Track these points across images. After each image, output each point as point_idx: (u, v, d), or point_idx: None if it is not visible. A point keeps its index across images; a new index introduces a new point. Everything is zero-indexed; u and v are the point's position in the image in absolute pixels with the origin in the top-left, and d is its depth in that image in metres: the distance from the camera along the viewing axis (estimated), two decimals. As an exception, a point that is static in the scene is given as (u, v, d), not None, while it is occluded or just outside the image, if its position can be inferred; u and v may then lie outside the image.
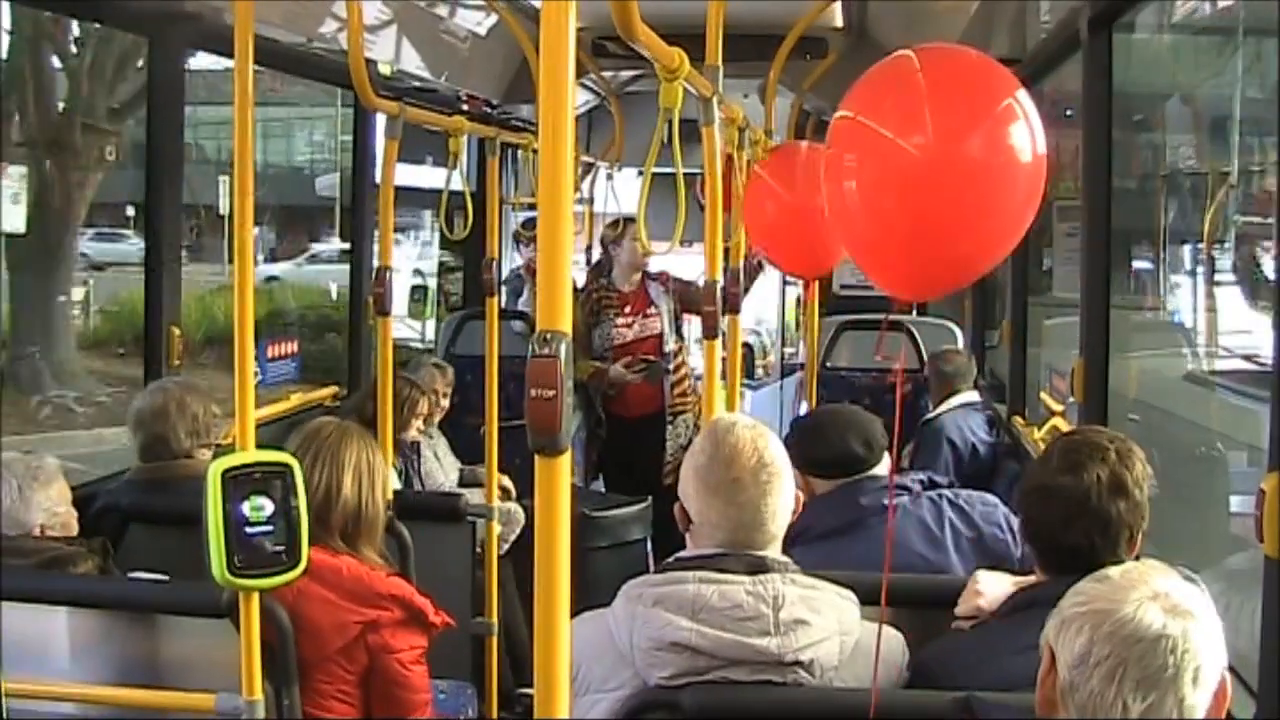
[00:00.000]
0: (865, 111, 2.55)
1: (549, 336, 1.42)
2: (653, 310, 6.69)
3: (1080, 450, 2.57)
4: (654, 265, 6.78)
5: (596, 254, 7.42)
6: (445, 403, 5.54)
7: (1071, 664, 1.80)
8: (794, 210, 4.55)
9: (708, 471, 2.39)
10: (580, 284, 6.82)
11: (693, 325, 6.94)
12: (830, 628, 2.29)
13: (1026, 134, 2.49)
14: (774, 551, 2.38)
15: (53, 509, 3.18)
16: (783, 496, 2.38)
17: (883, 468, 3.21)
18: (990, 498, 3.29)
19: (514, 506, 4.91)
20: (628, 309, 6.68)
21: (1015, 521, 3.12)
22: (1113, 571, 1.87)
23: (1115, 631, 1.77)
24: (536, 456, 1.45)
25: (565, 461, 1.45)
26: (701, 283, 3.17)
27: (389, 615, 3.00)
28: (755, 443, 2.38)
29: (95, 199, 13.57)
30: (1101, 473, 2.50)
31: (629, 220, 6.67)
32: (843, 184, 2.62)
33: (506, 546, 4.79)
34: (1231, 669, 1.84)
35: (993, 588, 2.64)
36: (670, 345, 6.69)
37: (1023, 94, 2.54)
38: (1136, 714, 1.74)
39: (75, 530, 3.24)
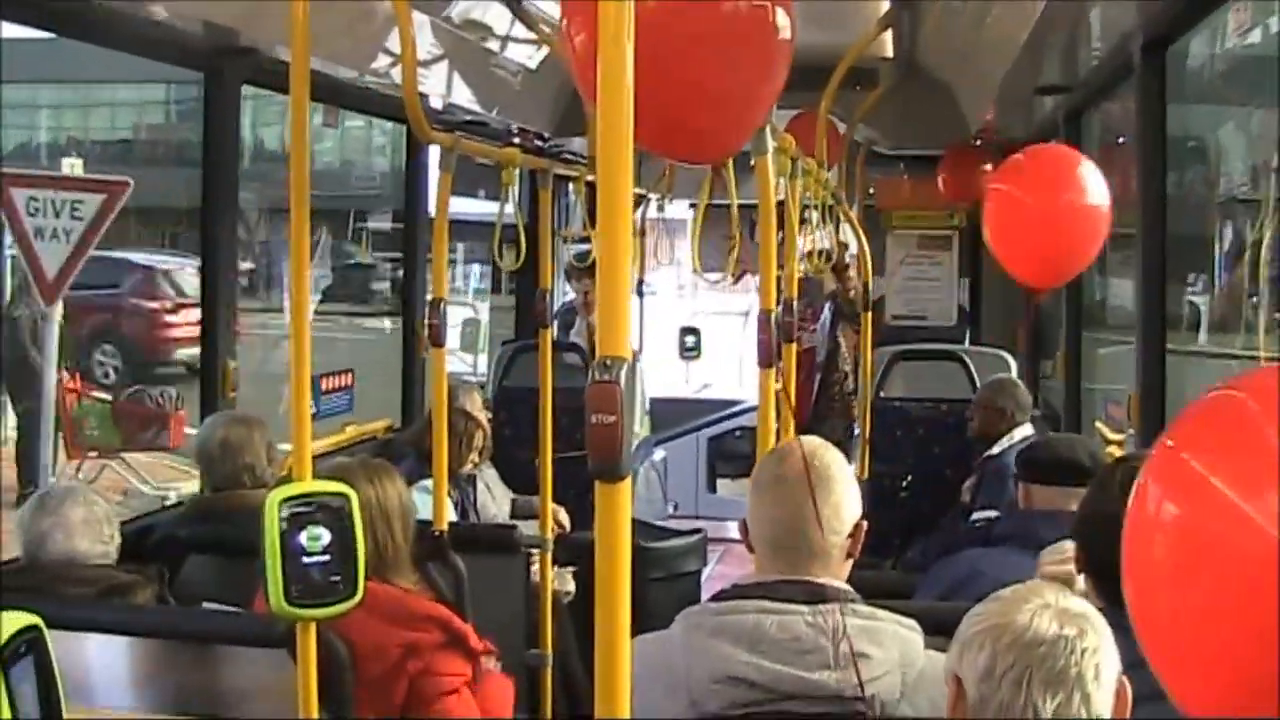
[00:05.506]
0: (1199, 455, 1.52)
1: (609, 362, 1.42)
2: None
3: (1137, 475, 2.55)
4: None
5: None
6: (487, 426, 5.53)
7: (979, 680, 1.89)
8: (1037, 215, 4.47)
9: (760, 470, 2.41)
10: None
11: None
12: (892, 660, 2.24)
13: None
14: (830, 574, 2.32)
15: (99, 533, 3.18)
16: (833, 504, 2.32)
17: None
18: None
19: (569, 578, 4.84)
20: None
21: None
22: (1004, 592, 1.98)
23: (1016, 640, 1.88)
24: (597, 483, 1.44)
25: (626, 488, 1.45)
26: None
27: (429, 637, 2.95)
28: (815, 452, 2.36)
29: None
30: None
31: None
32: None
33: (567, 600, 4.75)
34: None
35: None
36: None
37: None
38: (1049, 714, 1.85)
39: (114, 557, 3.21)
